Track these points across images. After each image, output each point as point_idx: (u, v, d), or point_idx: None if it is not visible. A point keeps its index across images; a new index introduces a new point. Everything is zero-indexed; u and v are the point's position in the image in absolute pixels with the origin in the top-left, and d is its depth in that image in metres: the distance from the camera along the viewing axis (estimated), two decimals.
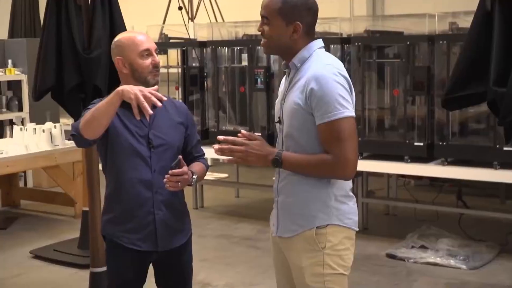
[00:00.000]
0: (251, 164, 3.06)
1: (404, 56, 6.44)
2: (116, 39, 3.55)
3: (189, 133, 3.64)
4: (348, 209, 3.07)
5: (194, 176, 3.41)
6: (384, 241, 6.80)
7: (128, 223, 3.48)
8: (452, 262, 6.11)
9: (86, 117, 3.26)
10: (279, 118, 3.15)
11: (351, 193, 3.12)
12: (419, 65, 6.40)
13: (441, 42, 6.25)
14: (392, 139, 6.66)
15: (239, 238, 7.13)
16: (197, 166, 3.57)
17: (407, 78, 6.39)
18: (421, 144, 6.32)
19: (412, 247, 6.43)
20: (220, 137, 3.03)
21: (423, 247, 6.40)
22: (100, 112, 3.23)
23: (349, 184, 3.10)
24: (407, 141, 6.40)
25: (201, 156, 3.70)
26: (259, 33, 3.11)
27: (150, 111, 3.15)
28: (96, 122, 3.25)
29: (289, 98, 3.04)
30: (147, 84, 3.39)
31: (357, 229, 3.12)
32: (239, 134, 3.04)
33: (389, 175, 7.76)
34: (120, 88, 3.22)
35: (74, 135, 3.34)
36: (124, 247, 3.49)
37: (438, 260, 6.15)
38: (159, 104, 3.18)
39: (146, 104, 3.13)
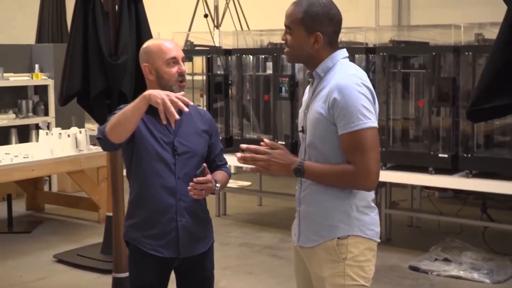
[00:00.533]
0: (273, 173, 3.07)
1: (430, 67, 6.41)
2: (145, 45, 3.56)
3: (213, 141, 3.65)
4: (370, 220, 3.06)
5: (217, 185, 3.43)
6: (407, 253, 6.76)
7: (151, 229, 3.49)
8: (475, 275, 6.05)
9: (113, 120, 3.29)
10: (302, 127, 3.15)
11: (373, 204, 3.11)
12: (444, 76, 6.37)
13: (466, 53, 6.22)
14: (416, 150, 6.63)
15: (261, 247, 7.12)
16: (220, 174, 3.59)
17: (432, 89, 6.36)
18: (446, 155, 6.28)
19: (436, 259, 6.38)
20: (243, 146, 3.04)
21: (446, 260, 6.35)
22: (126, 116, 3.25)
23: (371, 194, 3.09)
24: (432, 153, 6.37)
25: (224, 165, 3.71)
26: (284, 41, 3.12)
27: (177, 116, 3.16)
28: (122, 126, 3.27)
29: (312, 107, 3.05)
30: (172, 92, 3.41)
31: (379, 240, 3.11)
32: (261, 143, 3.04)
33: (413, 186, 7.72)
34: (147, 92, 3.23)
35: (100, 138, 3.35)
36: (146, 253, 3.50)
37: (462, 273, 6.10)
38: (186, 109, 3.20)
39: (172, 109, 3.15)
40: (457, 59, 6.28)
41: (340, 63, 3.05)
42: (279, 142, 7.16)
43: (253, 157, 3.01)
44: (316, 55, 3.05)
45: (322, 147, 3.01)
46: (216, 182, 3.41)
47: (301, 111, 3.21)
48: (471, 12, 9.12)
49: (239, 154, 3.01)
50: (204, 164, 3.37)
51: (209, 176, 3.34)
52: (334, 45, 3.08)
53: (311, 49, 3.03)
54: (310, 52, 3.04)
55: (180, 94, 3.24)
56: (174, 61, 3.46)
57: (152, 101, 3.19)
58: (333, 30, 3.05)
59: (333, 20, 3.03)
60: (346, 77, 2.96)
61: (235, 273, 6.30)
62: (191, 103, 3.30)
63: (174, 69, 3.46)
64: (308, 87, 3.22)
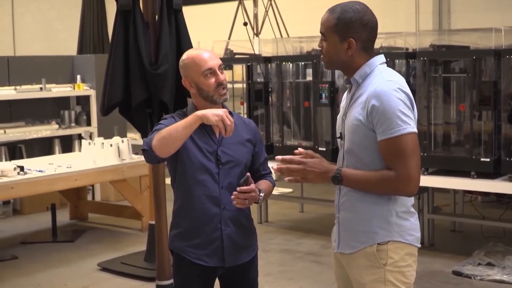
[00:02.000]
0: (311, 182, 3.07)
1: (470, 71, 6.36)
2: (183, 57, 3.57)
3: (257, 150, 3.65)
4: (410, 225, 3.05)
5: (261, 194, 3.42)
6: (450, 257, 6.71)
7: (196, 239, 3.50)
8: None
9: (161, 135, 3.29)
10: (340, 133, 3.16)
11: (412, 209, 3.09)
12: (485, 80, 6.32)
13: (507, 56, 6.16)
14: (458, 154, 6.57)
15: (302, 253, 7.13)
16: (264, 184, 3.58)
17: (473, 93, 6.31)
18: (488, 159, 6.23)
19: (479, 264, 6.33)
20: (278, 157, 3.04)
21: (489, 264, 6.30)
22: (177, 133, 3.26)
23: (410, 200, 3.08)
24: (474, 157, 6.32)
25: (268, 174, 3.70)
26: (320, 48, 3.13)
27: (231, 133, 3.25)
28: (171, 142, 3.28)
29: (351, 114, 3.05)
30: (214, 102, 3.46)
31: (419, 245, 3.09)
32: (295, 151, 3.05)
33: (455, 191, 7.66)
34: (200, 113, 3.26)
35: (145, 150, 3.35)
36: (191, 262, 3.51)
37: (505, 277, 6.04)
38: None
39: (232, 126, 3.24)
40: (498, 63, 6.22)
41: (378, 69, 3.05)
42: (320, 149, 7.21)
43: (289, 168, 3.01)
44: (351, 61, 3.05)
45: (361, 153, 3.01)
46: (260, 191, 3.41)
47: (339, 117, 3.21)
48: (511, 15, 9.03)
49: (276, 166, 3.03)
50: (248, 174, 3.38)
51: (252, 186, 3.34)
52: (370, 51, 3.08)
53: (345, 55, 3.04)
54: (345, 59, 3.05)
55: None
56: (211, 71, 3.47)
57: (210, 121, 3.24)
58: (367, 36, 3.04)
59: (367, 25, 3.03)
60: (384, 83, 2.95)
61: (276, 279, 6.31)
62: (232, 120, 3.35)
63: (212, 80, 3.47)
64: (345, 93, 3.22)
